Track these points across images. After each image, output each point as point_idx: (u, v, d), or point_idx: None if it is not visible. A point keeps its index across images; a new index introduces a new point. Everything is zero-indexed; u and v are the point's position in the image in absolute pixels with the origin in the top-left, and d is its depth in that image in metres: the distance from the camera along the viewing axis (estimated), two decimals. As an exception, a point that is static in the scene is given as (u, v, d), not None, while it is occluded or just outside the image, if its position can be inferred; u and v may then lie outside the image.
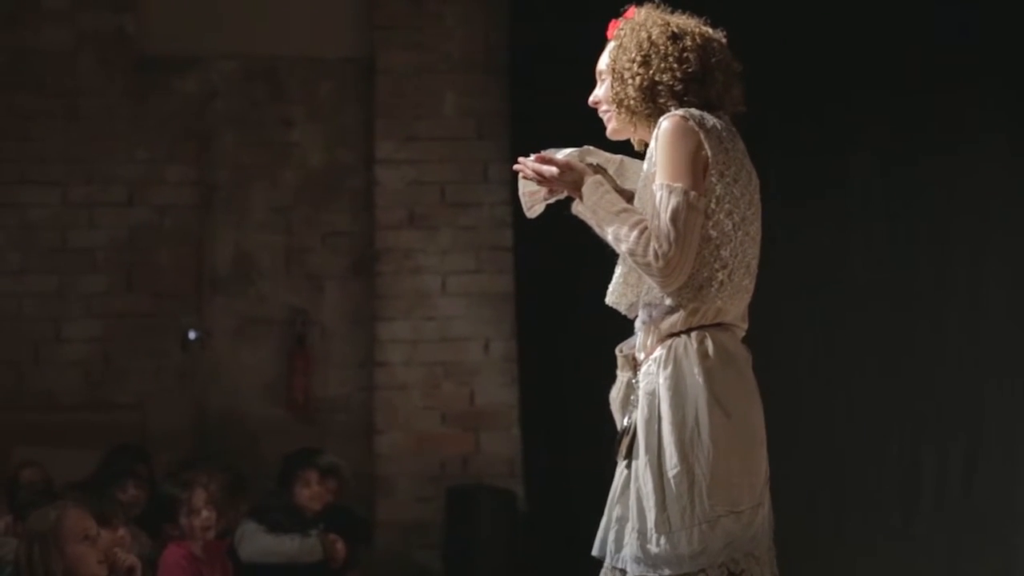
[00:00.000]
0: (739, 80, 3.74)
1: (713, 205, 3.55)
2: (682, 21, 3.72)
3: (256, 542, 6.92)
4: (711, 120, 3.59)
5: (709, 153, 3.54)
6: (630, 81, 3.67)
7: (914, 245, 7.97)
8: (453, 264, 8.75)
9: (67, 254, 8.85)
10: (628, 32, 3.71)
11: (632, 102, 3.68)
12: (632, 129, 3.77)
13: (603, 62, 3.81)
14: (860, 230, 8.08)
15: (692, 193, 3.48)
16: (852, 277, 8.04)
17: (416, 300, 8.76)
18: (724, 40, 3.75)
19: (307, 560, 7.00)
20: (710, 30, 3.74)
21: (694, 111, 3.59)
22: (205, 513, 6.19)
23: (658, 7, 3.78)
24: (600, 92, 3.82)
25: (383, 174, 8.79)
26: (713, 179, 3.55)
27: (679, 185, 3.49)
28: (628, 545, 3.58)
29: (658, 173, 3.54)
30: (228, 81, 9.03)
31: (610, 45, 3.78)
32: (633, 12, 3.78)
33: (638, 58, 3.65)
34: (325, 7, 9.00)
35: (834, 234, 8.10)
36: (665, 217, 3.47)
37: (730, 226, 3.58)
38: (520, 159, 3.74)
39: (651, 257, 3.47)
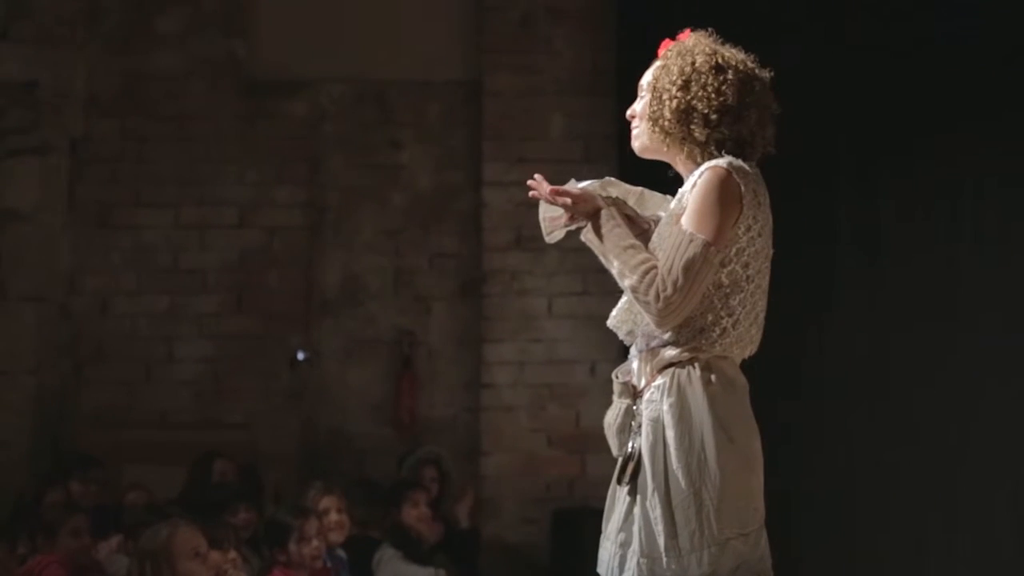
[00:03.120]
0: (774, 121, 3.79)
1: (732, 254, 3.61)
2: (729, 54, 3.77)
3: (394, 568, 6.90)
4: (750, 170, 3.66)
5: (744, 207, 3.60)
6: (667, 102, 3.73)
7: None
8: (560, 286, 8.75)
9: (179, 275, 8.96)
10: (675, 54, 3.78)
11: (666, 122, 3.73)
12: (664, 149, 3.81)
13: (646, 78, 3.87)
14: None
15: (712, 248, 3.55)
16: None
17: (523, 322, 8.76)
18: (767, 80, 3.80)
19: None
20: (756, 68, 3.79)
21: (736, 162, 3.64)
22: (315, 542, 6.18)
23: (711, 35, 3.83)
24: (637, 107, 3.89)
25: (491, 196, 8.81)
26: (740, 231, 3.61)
27: (702, 236, 3.55)
28: (629, 571, 3.67)
29: (686, 217, 3.60)
30: (337, 104, 9.11)
31: (657, 63, 3.85)
32: (687, 35, 3.85)
33: (679, 81, 3.72)
34: (433, 31, 9.06)
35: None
36: (679, 263, 3.54)
37: (744, 277, 3.64)
38: (534, 181, 3.79)
39: (651, 297, 3.55)
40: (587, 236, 3.77)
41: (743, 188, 3.59)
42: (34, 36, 8.78)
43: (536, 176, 3.82)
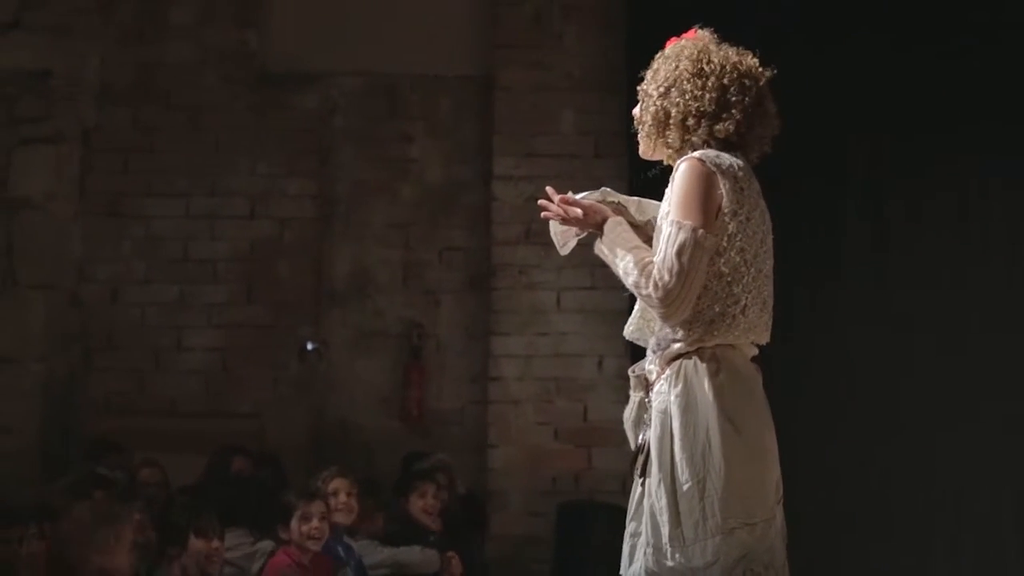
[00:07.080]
0: (766, 120, 3.82)
1: (724, 243, 3.66)
2: (719, 57, 3.81)
3: (375, 555, 6.95)
4: (728, 160, 3.70)
5: (724, 192, 3.65)
6: (648, 108, 3.84)
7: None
8: (568, 280, 8.77)
9: (189, 265, 9.00)
10: (663, 60, 3.87)
11: (647, 127, 3.85)
12: (652, 151, 3.91)
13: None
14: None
15: (700, 231, 3.60)
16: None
17: (531, 316, 8.79)
18: (762, 79, 3.83)
19: (425, 571, 7.03)
20: (750, 68, 3.82)
21: (710, 152, 3.70)
22: (316, 523, 6.27)
23: (714, 34, 3.88)
24: (635, 110, 3.97)
25: (500, 190, 8.84)
26: (727, 217, 3.66)
27: (688, 222, 3.61)
28: (638, 560, 3.69)
29: (671, 211, 3.66)
30: (349, 97, 9.14)
31: (652, 66, 3.92)
32: (694, 33, 3.91)
33: (660, 88, 3.82)
34: (446, 25, 9.09)
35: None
36: (671, 251, 3.60)
37: (742, 263, 3.69)
38: (543, 203, 3.89)
39: (651, 288, 3.61)
40: (599, 247, 3.82)
41: (718, 176, 3.64)
42: (48, 25, 8.83)
43: (548, 189, 3.89)
